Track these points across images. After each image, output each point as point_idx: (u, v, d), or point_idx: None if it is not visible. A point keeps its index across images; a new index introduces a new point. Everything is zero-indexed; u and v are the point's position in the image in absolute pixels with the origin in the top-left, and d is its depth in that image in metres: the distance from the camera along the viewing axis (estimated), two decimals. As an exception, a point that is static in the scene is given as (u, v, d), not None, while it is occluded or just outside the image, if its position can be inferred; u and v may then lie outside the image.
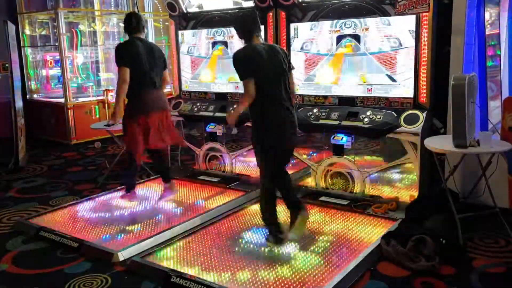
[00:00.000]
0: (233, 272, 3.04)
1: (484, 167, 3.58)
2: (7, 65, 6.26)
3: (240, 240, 3.56)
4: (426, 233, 3.18)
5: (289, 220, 3.52)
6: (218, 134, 5.14)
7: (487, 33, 3.97)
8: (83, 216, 4.18)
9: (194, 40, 5.26)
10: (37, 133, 7.84)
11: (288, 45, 4.48)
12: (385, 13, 3.97)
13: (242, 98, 3.40)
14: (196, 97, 5.35)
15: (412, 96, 3.94)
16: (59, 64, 7.55)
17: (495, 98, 4.24)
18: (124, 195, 4.43)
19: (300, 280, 2.93)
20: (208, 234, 3.68)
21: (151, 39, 8.74)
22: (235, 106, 3.43)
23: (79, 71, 7.93)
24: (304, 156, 4.79)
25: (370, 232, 3.62)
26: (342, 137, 4.20)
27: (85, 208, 4.38)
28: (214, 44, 5.10)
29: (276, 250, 3.34)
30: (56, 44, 7.52)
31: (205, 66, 5.22)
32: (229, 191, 4.71)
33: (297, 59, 4.42)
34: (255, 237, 3.60)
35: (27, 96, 7.98)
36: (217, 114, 4.97)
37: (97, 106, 7.57)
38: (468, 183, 3.88)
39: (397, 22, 3.92)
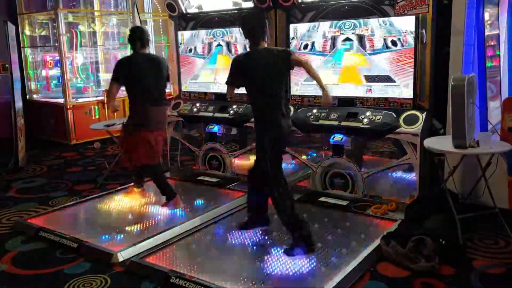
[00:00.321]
0: (233, 273, 3.04)
1: (483, 167, 3.58)
2: (7, 65, 6.26)
3: (240, 241, 3.54)
4: (426, 234, 3.18)
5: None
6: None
7: (486, 33, 3.97)
8: (83, 217, 4.17)
9: (193, 41, 5.27)
10: (37, 133, 7.84)
11: (288, 46, 4.47)
12: (384, 14, 3.97)
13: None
14: (195, 98, 5.36)
15: (411, 96, 3.94)
16: (58, 65, 7.55)
17: (495, 98, 4.24)
18: (166, 203, 4.25)
19: (300, 281, 2.92)
20: (208, 235, 3.67)
21: (151, 39, 8.72)
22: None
23: (79, 71, 7.93)
24: (304, 157, 4.79)
25: (369, 232, 3.62)
26: (342, 138, 4.20)
27: (84, 209, 4.37)
28: (214, 44, 5.11)
29: (276, 251, 3.33)
30: (56, 44, 7.53)
31: (205, 66, 5.23)
32: (228, 191, 4.70)
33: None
34: (255, 237, 3.59)
35: (27, 97, 7.98)
36: (217, 114, 4.97)
37: (96, 107, 7.57)
38: (467, 184, 3.87)
39: (397, 23, 3.92)
